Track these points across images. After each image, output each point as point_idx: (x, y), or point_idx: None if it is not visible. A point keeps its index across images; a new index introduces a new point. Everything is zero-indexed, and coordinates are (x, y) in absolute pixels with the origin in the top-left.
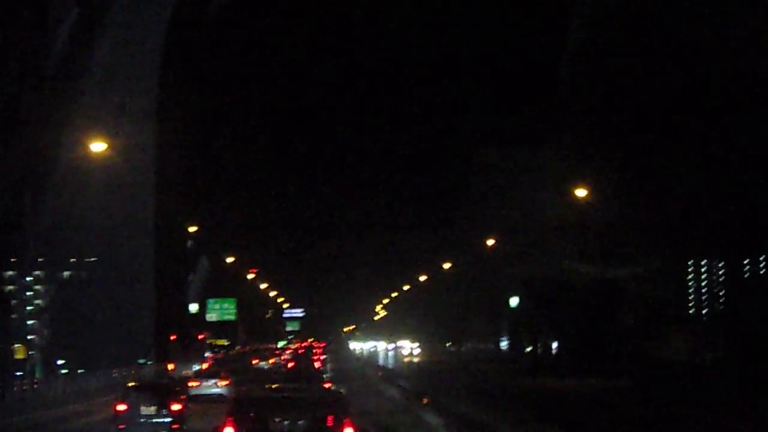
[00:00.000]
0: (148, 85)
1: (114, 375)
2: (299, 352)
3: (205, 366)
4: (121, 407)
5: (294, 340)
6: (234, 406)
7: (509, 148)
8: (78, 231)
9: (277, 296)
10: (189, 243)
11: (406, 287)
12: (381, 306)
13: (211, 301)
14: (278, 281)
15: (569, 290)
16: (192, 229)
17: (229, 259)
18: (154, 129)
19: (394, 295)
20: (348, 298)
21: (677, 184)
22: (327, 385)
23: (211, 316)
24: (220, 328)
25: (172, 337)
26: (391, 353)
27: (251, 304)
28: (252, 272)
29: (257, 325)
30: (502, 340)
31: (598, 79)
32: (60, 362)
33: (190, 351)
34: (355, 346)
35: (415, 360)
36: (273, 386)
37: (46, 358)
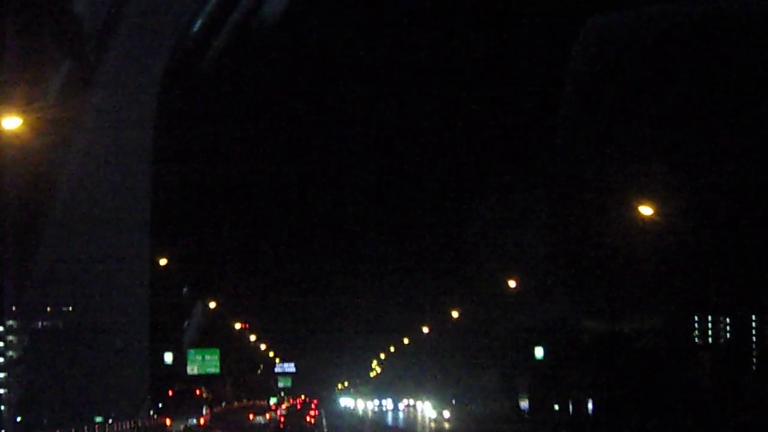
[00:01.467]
0: (142, 132)
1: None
2: (297, 408)
3: (202, 421)
4: None
5: (286, 397)
6: None
7: (505, 197)
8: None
9: (267, 350)
10: (184, 290)
11: (405, 340)
12: (376, 362)
13: (191, 351)
14: (268, 334)
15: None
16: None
17: (212, 305)
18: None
19: (391, 349)
20: (341, 353)
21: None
22: None
23: (192, 369)
24: (203, 382)
25: (169, 392)
26: (401, 413)
27: (239, 356)
28: (243, 326)
29: (245, 379)
30: (521, 398)
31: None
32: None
33: (185, 405)
34: (348, 403)
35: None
36: None
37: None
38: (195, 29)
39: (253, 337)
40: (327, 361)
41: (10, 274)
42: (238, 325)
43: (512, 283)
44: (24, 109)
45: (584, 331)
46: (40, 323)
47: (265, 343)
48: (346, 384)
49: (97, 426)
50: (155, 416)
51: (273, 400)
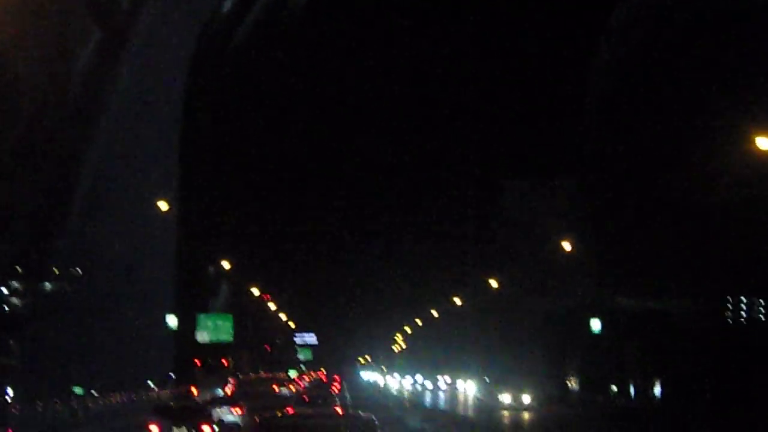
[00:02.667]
0: (171, 110)
1: (133, 398)
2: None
3: (229, 392)
4: (154, 428)
5: (307, 370)
6: None
7: (536, 179)
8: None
9: (287, 321)
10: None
11: (434, 313)
12: (401, 336)
13: (202, 316)
14: (288, 304)
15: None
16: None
17: (227, 266)
18: (176, 153)
19: (418, 323)
20: (364, 326)
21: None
22: (338, 409)
23: (202, 336)
24: (213, 351)
25: (196, 362)
26: (441, 393)
27: (257, 325)
28: (265, 297)
29: (263, 349)
30: (570, 379)
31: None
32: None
33: (212, 375)
34: (374, 377)
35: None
36: (291, 412)
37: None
38: (225, 9)
39: (272, 306)
40: (349, 334)
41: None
42: (255, 292)
43: (566, 246)
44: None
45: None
46: (47, 285)
47: (284, 312)
48: (368, 358)
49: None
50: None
51: (292, 373)
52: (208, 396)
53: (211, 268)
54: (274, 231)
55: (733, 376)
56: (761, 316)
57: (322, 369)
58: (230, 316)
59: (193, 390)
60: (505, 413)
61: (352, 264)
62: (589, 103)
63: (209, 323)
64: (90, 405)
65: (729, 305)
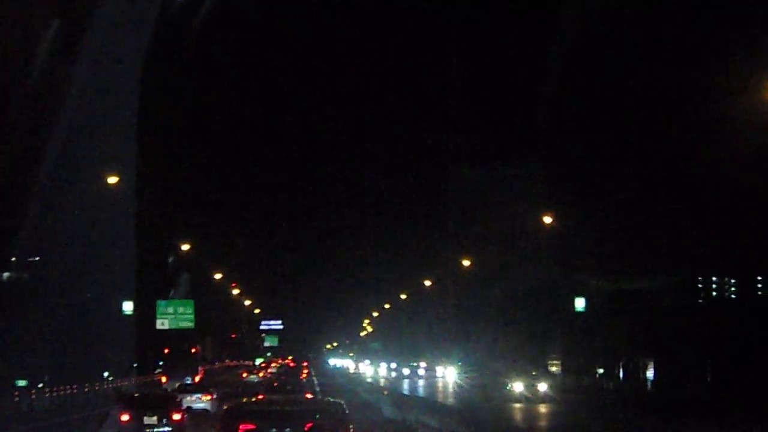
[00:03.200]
0: (130, 95)
1: (96, 388)
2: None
3: (197, 378)
4: (125, 417)
5: (273, 358)
6: (226, 419)
7: (492, 164)
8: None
9: (252, 307)
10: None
11: (403, 296)
12: (368, 321)
13: (162, 303)
14: (253, 290)
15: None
16: None
17: (187, 250)
18: (135, 138)
19: (386, 306)
20: (330, 312)
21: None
22: (309, 395)
23: (162, 323)
24: (175, 339)
25: (165, 350)
26: (420, 381)
27: (222, 310)
28: (232, 285)
29: (225, 338)
30: (550, 361)
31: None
32: None
33: (181, 363)
34: (341, 363)
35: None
36: (261, 398)
37: None
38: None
39: (236, 292)
40: (316, 320)
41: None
42: (218, 277)
43: (546, 220)
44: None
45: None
46: (4, 275)
47: (250, 299)
48: (335, 344)
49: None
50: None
51: (258, 361)
52: (176, 383)
53: (171, 254)
54: (238, 217)
55: (727, 355)
56: (732, 295)
57: (288, 357)
58: (191, 302)
59: (162, 378)
60: (518, 406)
61: (318, 249)
62: (548, 84)
63: (169, 310)
64: (34, 398)
65: (699, 285)
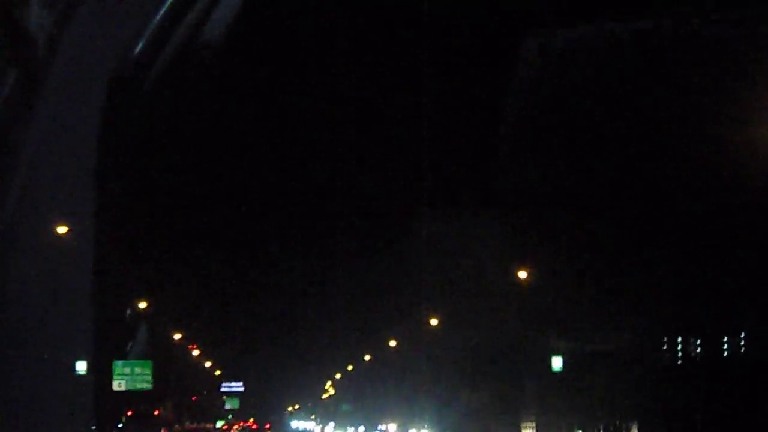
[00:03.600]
0: (87, 149)
1: None
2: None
3: None
4: None
5: (235, 420)
6: None
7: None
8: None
9: (212, 368)
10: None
11: (366, 356)
12: (331, 383)
13: (118, 363)
14: (213, 350)
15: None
16: None
17: (143, 305)
18: (94, 192)
19: (349, 368)
20: (292, 374)
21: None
22: None
23: (119, 384)
24: (133, 400)
25: (129, 412)
26: None
27: (180, 373)
28: (192, 347)
29: (183, 400)
30: (523, 423)
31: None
32: None
33: (144, 425)
34: (303, 425)
35: None
36: None
37: None
38: (138, 48)
39: (196, 353)
40: (277, 382)
41: None
42: (178, 337)
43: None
44: None
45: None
46: None
47: (210, 360)
48: (296, 407)
49: None
50: None
51: (220, 423)
52: None
53: (129, 312)
54: (198, 276)
55: (715, 415)
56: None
57: (250, 420)
58: (149, 363)
59: None
60: None
61: (280, 310)
62: (510, 134)
63: (126, 370)
64: None
65: (664, 345)
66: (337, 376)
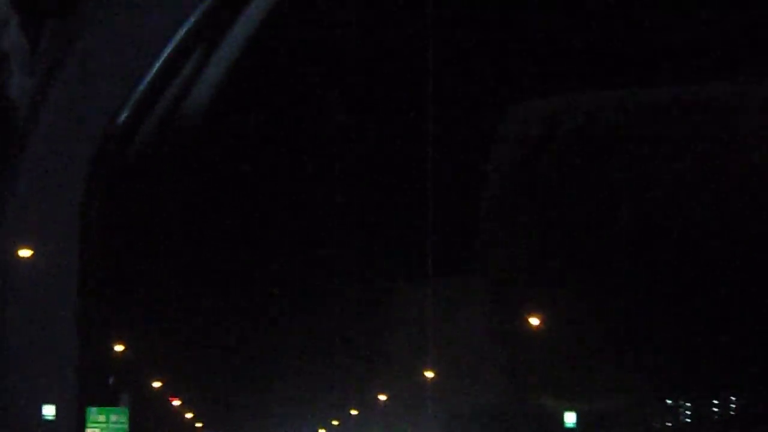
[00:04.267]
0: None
1: None
2: None
3: None
4: None
5: None
6: None
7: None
8: None
9: (194, 420)
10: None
11: (353, 412)
12: None
13: (92, 410)
14: (193, 401)
15: None
16: None
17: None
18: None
19: (334, 423)
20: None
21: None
22: None
23: None
24: None
25: None
26: None
27: (158, 422)
28: (173, 399)
29: None
30: None
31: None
32: None
33: None
34: None
35: None
36: None
37: None
38: (121, 119)
39: (176, 403)
40: None
41: None
42: (157, 385)
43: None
44: None
45: None
46: None
47: (191, 410)
48: None
49: None
50: None
51: None
52: None
53: (105, 355)
54: (183, 323)
55: None
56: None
57: None
58: (126, 411)
59: None
60: None
61: (264, 362)
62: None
63: (101, 418)
64: None
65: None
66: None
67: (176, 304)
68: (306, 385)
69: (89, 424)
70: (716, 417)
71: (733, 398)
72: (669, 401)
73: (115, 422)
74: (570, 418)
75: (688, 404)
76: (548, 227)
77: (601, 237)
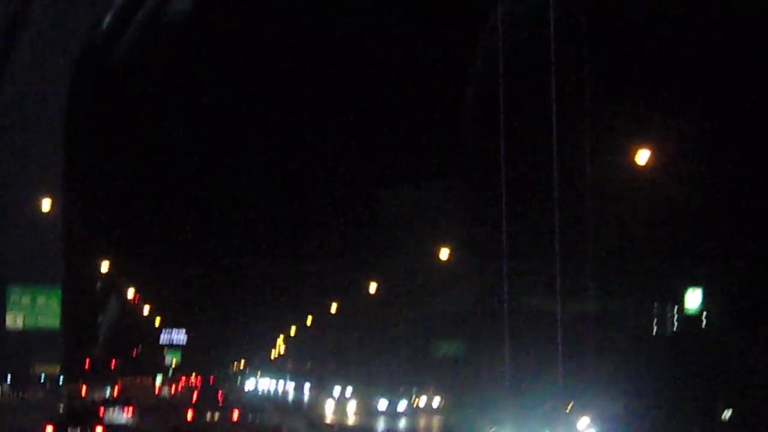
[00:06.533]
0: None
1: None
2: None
3: (116, 392)
4: (50, 429)
5: (177, 374)
6: None
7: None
8: None
9: (152, 314)
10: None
11: (333, 309)
12: (282, 338)
13: (13, 290)
14: (152, 295)
15: None
16: None
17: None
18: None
19: (307, 322)
20: (236, 329)
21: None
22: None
23: (16, 320)
24: (36, 343)
25: (87, 360)
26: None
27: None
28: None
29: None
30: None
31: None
32: None
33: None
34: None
35: None
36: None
37: None
38: (104, 24)
39: (131, 292)
40: (220, 336)
41: None
42: (105, 266)
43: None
44: None
45: None
46: None
47: (149, 304)
48: (242, 364)
49: None
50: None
51: (159, 379)
52: (95, 396)
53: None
54: (147, 212)
55: None
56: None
57: (192, 374)
58: (58, 291)
59: (82, 389)
60: None
61: (230, 261)
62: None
63: (25, 300)
64: None
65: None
66: (292, 331)
67: (157, 208)
68: (274, 289)
69: (10, 309)
70: None
71: None
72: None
73: (45, 306)
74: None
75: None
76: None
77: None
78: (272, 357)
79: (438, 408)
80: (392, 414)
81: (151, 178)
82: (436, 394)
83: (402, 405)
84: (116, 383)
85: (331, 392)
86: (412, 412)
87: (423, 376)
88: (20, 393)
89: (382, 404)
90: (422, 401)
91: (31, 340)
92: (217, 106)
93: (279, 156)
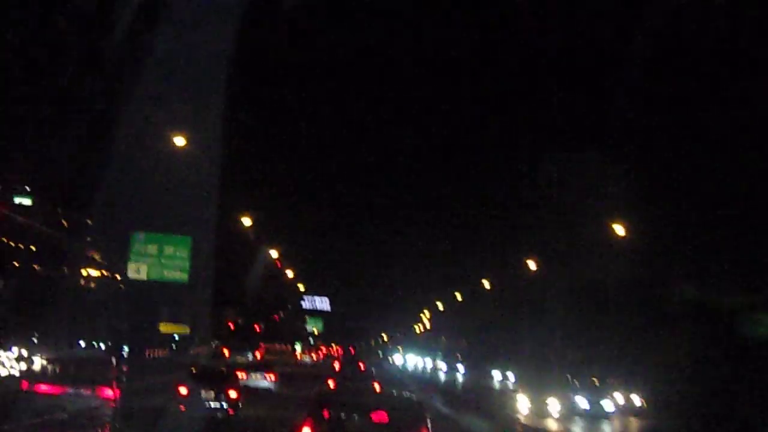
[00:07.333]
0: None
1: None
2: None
3: (258, 356)
4: (183, 390)
5: (318, 342)
6: (313, 406)
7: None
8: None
9: (295, 280)
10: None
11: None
12: (428, 312)
13: (138, 236)
14: (298, 260)
15: None
16: None
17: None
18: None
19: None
20: (382, 300)
21: None
22: (376, 384)
23: (137, 270)
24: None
25: (230, 325)
26: None
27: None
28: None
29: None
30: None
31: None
32: None
33: (241, 338)
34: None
35: None
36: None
37: None
38: None
39: (274, 253)
40: (363, 307)
41: None
42: (247, 221)
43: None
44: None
45: None
46: None
47: (291, 269)
48: (384, 338)
49: None
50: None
51: (298, 347)
52: (238, 359)
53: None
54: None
55: None
56: None
57: (332, 345)
58: (188, 240)
59: (225, 351)
60: None
61: (380, 231)
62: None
63: (151, 249)
64: None
65: None
66: (440, 305)
67: (310, 169)
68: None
69: (133, 259)
70: None
71: None
72: None
73: (173, 257)
74: None
75: None
76: None
77: None
78: (417, 332)
79: (641, 408)
80: (598, 415)
81: (304, 138)
82: (631, 392)
83: (608, 404)
84: (258, 348)
85: (490, 377)
86: (623, 412)
87: (615, 368)
88: (144, 352)
89: (583, 401)
90: (619, 398)
91: (157, 293)
92: (381, 67)
93: (439, 128)
